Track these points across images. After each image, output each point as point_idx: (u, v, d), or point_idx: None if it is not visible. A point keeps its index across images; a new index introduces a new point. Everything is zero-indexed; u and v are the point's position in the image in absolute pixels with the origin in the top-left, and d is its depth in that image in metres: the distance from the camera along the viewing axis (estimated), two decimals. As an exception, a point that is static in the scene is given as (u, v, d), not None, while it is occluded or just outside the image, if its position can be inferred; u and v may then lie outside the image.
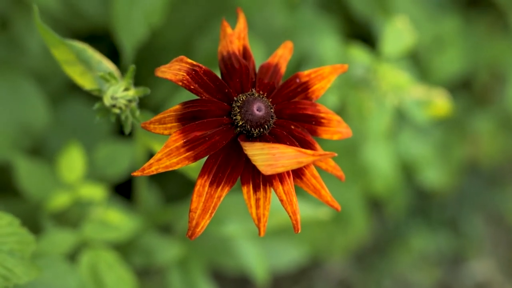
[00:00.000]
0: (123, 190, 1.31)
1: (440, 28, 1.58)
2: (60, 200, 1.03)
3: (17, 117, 1.17)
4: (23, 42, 1.20)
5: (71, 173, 1.04)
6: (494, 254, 1.94)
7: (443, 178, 1.65)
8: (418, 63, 1.55)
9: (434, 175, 1.61)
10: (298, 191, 0.67)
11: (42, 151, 1.24)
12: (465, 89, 1.83)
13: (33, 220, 1.07)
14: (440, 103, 1.18)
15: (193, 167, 0.76)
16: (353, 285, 1.82)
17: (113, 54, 1.26)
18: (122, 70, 0.78)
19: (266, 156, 0.59)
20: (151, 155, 0.67)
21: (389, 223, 1.87)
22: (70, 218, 1.08)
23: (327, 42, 1.20)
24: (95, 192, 1.03)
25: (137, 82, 0.77)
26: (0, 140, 1.16)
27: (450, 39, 1.58)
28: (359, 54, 1.16)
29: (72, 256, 1.00)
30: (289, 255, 1.38)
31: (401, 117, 1.34)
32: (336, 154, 0.61)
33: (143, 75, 1.26)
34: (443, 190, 1.78)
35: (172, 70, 0.65)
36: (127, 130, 0.72)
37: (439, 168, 1.62)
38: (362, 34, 1.49)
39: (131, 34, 1.08)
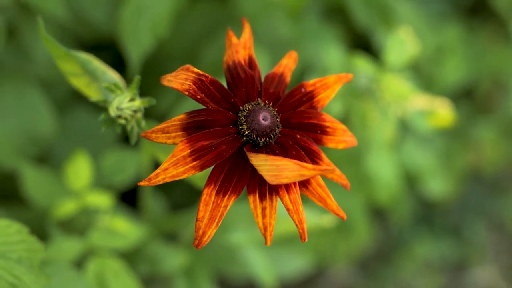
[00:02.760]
0: (129, 198, 1.31)
1: (442, 37, 1.59)
2: (66, 208, 1.03)
3: (23, 125, 1.18)
4: (30, 50, 1.21)
5: (78, 181, 1.05)
6: (497, 261, 1.94)
7: (446, 186, 1.65)
8: (420, 72, 1.56)
9: (437, 184, 1.61)
10: (302, 198, 0.67)
11: (49, 159, 1.25)
12: (467, 97, 1.83)
13: (40, 228, 1.07)
14: (443, 113, 1.19)
15: (200, 176, 0.76)
16: (356, 293, 1.83)
17: (119, 63, 1.27)
18: (128, 80, 0.79)
19: (270, 167, 0.60)
20: (156, 163, 0.68)
21: (393, 231, 1.88)
22: (76, 226, 1.08)
23: (331, 52, 1.20)
24: (101, 200, 1.04)
25: (142, 92, 0.78)
26: (7, 148, 1.16)
27: (452, 48, 1.59)
28: (362, 64, 1.17)
29: (79, 264, 1.01)
30: (294, 264, 1.38)
31: (404, 127, 1.34)
32: (337, 169, 0.61)
33: (148, 84, 1.27)
34: (446, 198, 1.79)
35: (178, 80, 0.66)
36: (133, 140, 0.72)
37: (442, 177, 1.63)
38: (364, 45, 1.49)
39: (137, 45, 1.09)
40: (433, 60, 1.57)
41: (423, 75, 1.56)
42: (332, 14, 1.51)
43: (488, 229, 1.97)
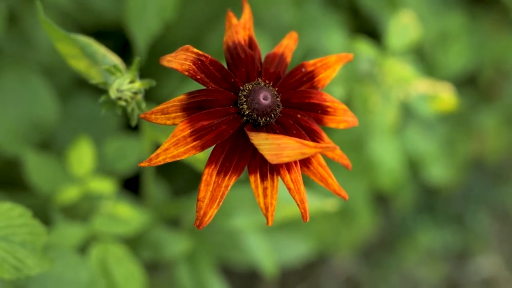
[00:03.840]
0: (132, 185, 1.31)
1: (445, 23, 1.58)
2: (69, 194, 1.03)
3: (26, 111, 1.18)
4: (32, 37, 1.21)
5: (81, 167, 1.05)
6: (500, 250, 1.94)
7: (449, 174, 1.65)
8: (423, 58, 1.56)
9: (439, 171, 1.61)
10: (304, 182, 0.67)
11: (51, 145, 1.25)
12: (470, 85, 1.83)
13: (43, 214, 1.07)
14: (446, 97, 1.18)
15: (200, 159, 0.76)
16: (360, 282, 1.83)
17: (121, 50, 1.27)
18: (129, 65, 0.79)
19: (271, 146, 0.60)
20: (157, 147, 0.68)
21: (395, 219, 1.88)
22: (79, 212, 1.08)
23: (333, 37, 1.20)
24: (104, 186, 1.04)
25: (147, 78, 0.78)
26: (10, 135, 1.16)
27: (455, 35, 1.59)
28: (364, 48, 1.17)
29: (82, 250, 1.01)
30: (296, 249, 1.38)
31: (407, 112, 1.34)
32: (337, 147, 0.61)
33: (151, 71, 1.27)
34: (449, 185, 1.79)
35: (178, 60, 0.66)
36: (133, 122, 0.72)
37: (445, 164, 1.62)
38: (368, 29, 1.49)
39: (144, 28, 1.09)
40: (436, 47, 1.57)
41: (426, 62, 1.56)
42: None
43: (491, 218, 1.97)
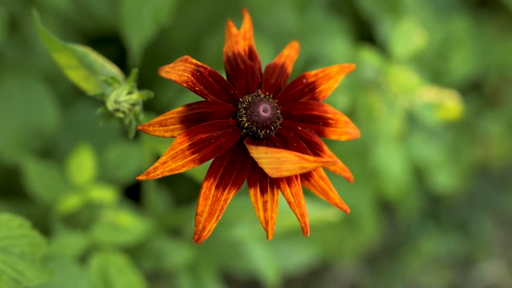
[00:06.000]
0: (133, 193, 1.30)
1: (449, 30, 1.57)
2: (70, 203, 1.02)
3: (27, 119, 1.17)
4: (33, 43, 1.21)
5: (81, 175, 1.04)
6: (504, 256, 1.93)
7: (454, 181, 1.64)
8: (427, 66, 1.55)
9: (444, 178, 1.60)
10: (306, 191, 0.66)
11: (52, 153, 1.24)
12: (475, 91, 1.82)
13: (43, 223, 1.06)
14: (451, 105, 1.18)
15: (201, 170, 0.76)
16: (364, 289, 1.82)
17: (122, 57, 1.27)
18: (129, 72, 0.78)
19: (271, 159, 0.59)
20: (158, 157, 0.67)
21: (400, 226, 1.87)
22: (80, 221, 1.07)
23: (336, 44, 1.20)
24: (105, 194, 1.03)
25: (143, 85, 0.77)
26: (10, 142, 1.16)
27: (459, 41, 1.58)
28: (369, 56, 1.16)
29: (83, 259, 1.00)
30: (299, 257, 1.38)
31: (411, 120, 1.34)
32: (338, 161, 0.60)
33: (150, 77, 1.26)
34: (453, 193, 1.78)
35: (177, 71, 0.65)
36: (131, 134, 0.71)
37: (450, 171, 1.61)
38: (369, 38, 1.48)
39: (138, 32, 1.08)
40: (440, 53, 1.56)
41: (430, 68, 1.55)
42: (337, 4, 1.49)
43: (495, 224, 1.96)
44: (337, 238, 1.56)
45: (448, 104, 1.18)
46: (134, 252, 1.11)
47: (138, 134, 0.74)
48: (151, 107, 0.81)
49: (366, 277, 1.83)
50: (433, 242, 1.84)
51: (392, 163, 1.33)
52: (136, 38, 1.09)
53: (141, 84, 0.75)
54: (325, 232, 1.54)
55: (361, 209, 1.50)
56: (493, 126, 1.80)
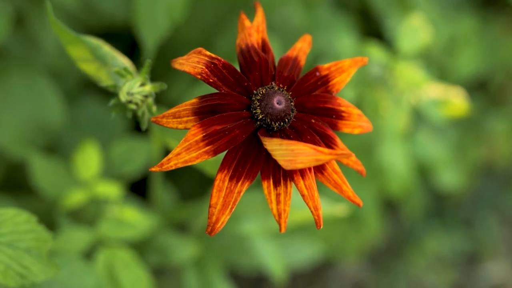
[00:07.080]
0: (139, 189, 1.30)
1: (456, 28, 1.57)
2: (76, 198, 1.02)
3: (33, 114, 1.17)
4: (39, 39, 1.20)
5: (87, 171, 1.04)
6: (509, 255, 1.93)
7: (459, 179, 1.64)
8: (434, 63, 1.55)
9: (449, 177, 1.60)
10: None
11: (58, 148, 1.24)
12: (481, 89, 1.82)
13: (49, 218, 1.06)
14: (458, 102, 1.17)
15: (211, 163, 0.75)
16: (367, 287, 1.82)
17: (130, 52, 1.26)
18: (140, 66, 0.78)
19: (285, 151, 0.58)
20: (166, 152, 0.67)
21: (404, 224, 1.87)
22: (86, 216, 1.07)
23: (344, 40, 1.19)
24: (111, 189, 1.03)
25: (154, 80, 0.77)
26: (16, 138, 1.16)
27: (466, 39, 1.58)
28: (375, 52, 1.16)
29: (88, 255, 1.00)
30: (304, 253, 1.37)
31: (417, 117, 1.33)
32: (353, 154, 0.60)
33: (160, 73, 1.26)
34: (458, 191, 1.77)
35: (191, 63, 0.65)
36: (143, 126, 0.71)
37: (455, 170, 1.61)
38: (378, 32, 1.48)
39: (153, 29, 1.08)
40: (446, 51, 1.56)
41: (436, 66, 1.55)
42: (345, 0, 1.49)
43: (500, 224, 1.96)
44: (341, 235, 1.55)
45: (454, 101, 1.17)
46: (140, 248, 1.11)
47: (147, 129, 0.74)
48: (161, 102, 0.81)
49: (370, 275, 1.83)
50: (438, 241, 1.84)
51: (397, 161, 1.33)
52: (151, 35, 1.09)
53: (150, 79, 0.75)
54: (329, 229, 1.54)
55: (365, 206, 1.49)
56: (499, 124, 1.80)
